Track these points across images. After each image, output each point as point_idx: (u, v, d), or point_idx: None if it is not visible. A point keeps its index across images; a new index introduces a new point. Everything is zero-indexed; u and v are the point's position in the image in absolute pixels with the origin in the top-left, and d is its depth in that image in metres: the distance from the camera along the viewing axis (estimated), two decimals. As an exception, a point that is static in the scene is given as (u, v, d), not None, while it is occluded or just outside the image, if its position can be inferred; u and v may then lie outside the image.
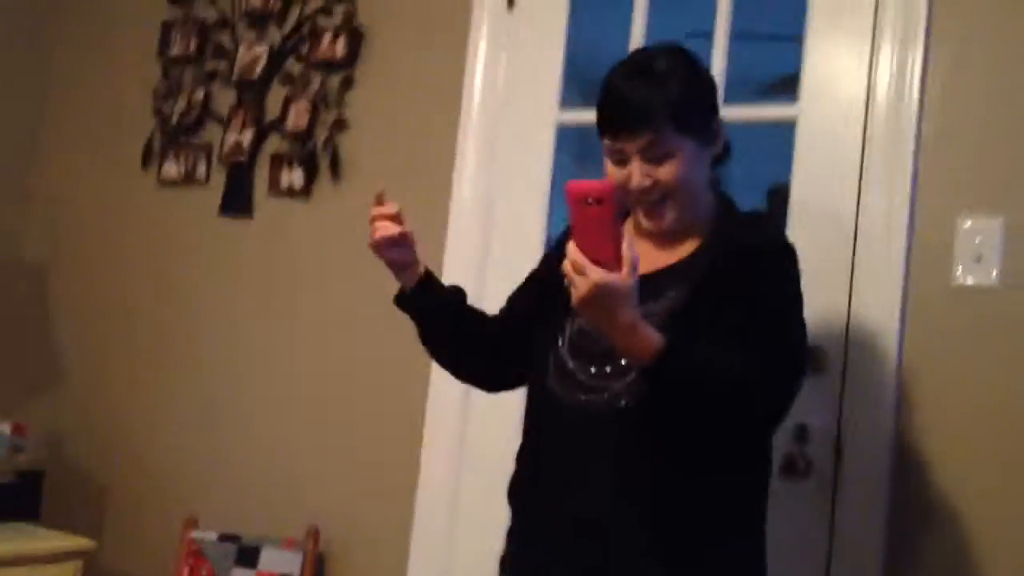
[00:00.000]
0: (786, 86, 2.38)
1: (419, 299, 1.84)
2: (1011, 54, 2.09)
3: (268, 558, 2.71)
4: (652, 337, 1.51)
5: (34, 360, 3.37)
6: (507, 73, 2.73)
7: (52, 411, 3.28)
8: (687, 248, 1.73)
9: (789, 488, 2.16)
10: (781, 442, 2.16)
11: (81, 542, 2.91)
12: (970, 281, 2.07)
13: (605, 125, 1.69)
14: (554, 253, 1.89)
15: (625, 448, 1.62)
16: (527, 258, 2.58)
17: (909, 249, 2.13)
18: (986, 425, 2.04)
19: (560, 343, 1.72)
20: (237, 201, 3.09)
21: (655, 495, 1.61)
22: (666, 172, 1.65)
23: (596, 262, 1.48)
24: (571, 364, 1.69)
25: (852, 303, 2.18)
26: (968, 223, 2.09)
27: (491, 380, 1.97)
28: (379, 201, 1.82)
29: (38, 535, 2.92)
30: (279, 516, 2.83)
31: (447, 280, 2.63)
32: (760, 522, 1.74)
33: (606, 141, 1.70)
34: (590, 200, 1.48)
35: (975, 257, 2.07)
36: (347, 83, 2.94)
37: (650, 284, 1.63)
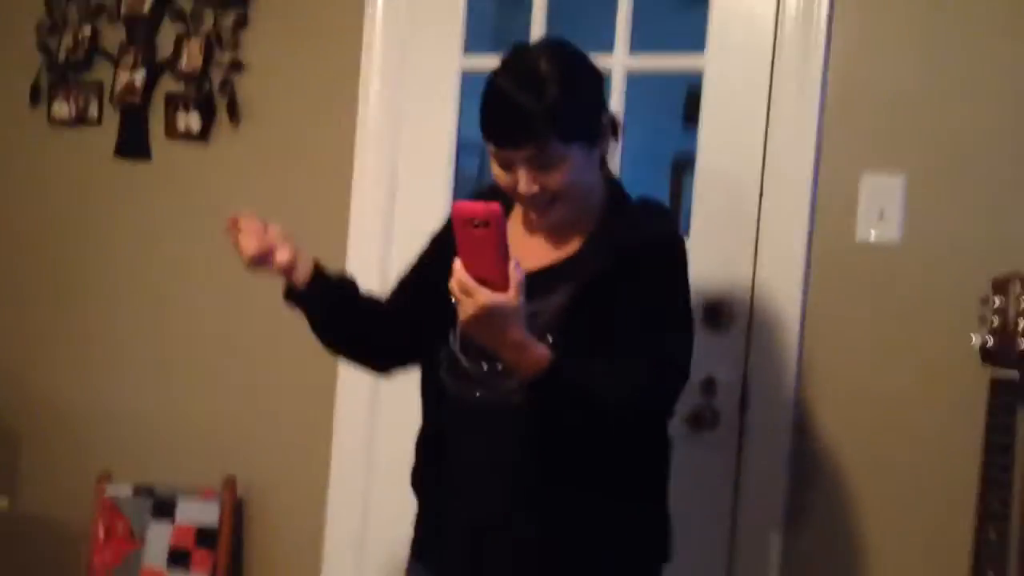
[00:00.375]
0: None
1: (310, 296, 1.78)
2: (919, 8, 2.10)
3: (185, 509, 2.71)
4: (539, 353, 1.52)
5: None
6: (409, 12, 2.64)
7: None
8: (576, 243, 1.72)
9: (696, 439, 2.23)
10: (689, 394, 2.21)
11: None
12: (872, 238, 2.12)
13: (489, 134, 1.64)
14: (444, 235, 1.84)
15: (520, 443, 1.64)
16: (433, 202, 2.59)
17: (813, 205, 2.16)
18: (883, 378, 2.11)
19: (452, 338, 1.71)
20: (133, 144, 2.99)
21: (550, 491, 1.64)
22: (554, 179, 1.63)
23: (483, 281, 1.46)
24: (464, 360, 1.69)
25: (758, 258, 2.21)
26: (871, 180, 2.12)
27: (382, 366, 1.94)
28: (233, 225, 1.75)
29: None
30: (195, 466, 2.82)
31: (354, 228, 2.68)
32: (661, 505, 1.79)
33: (491, 147, 1.66)
34: (476, 222, 1.45)
35: (877, 214, 2.11)
36: (241, 21, 2.82)
37: (539, 281, 1.63)
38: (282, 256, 1.73)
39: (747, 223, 2.22)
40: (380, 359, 1.92)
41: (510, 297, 1.47)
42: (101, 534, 2.69)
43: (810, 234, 2.16)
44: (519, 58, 1.67)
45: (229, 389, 2.85)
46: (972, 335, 1.93)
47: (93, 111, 3.04)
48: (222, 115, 2.86)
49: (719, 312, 2.24)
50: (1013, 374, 1.88)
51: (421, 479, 1.84)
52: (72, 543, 2.87)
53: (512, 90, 1.60)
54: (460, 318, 1.50)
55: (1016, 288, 1.91)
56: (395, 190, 2.67)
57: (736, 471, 2.23)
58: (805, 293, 2.16)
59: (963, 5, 2.06)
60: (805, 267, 2.16)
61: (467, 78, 2.59)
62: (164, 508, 2.71)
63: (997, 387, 1.89)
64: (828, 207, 2.16)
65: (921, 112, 2.09)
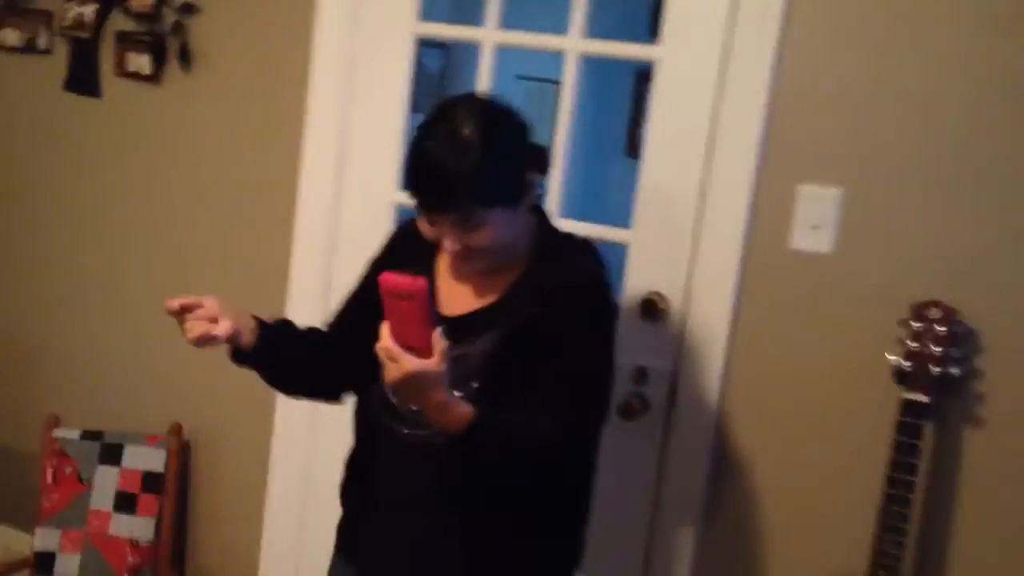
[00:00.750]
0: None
1: (259, 359, 1.81)
2: (872, 22, 2.10)
3: (132, 455, 2.80)
4: (460, 412, 1.57)
5: None
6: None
7: None
8: (503, 286, 1.74)
9: (624, 426, 2.31)
10: (621, 383, 2.30)
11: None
12: (805, 247, 2.17)
13: (412, 195, 1.66)
14: (382, 260, 1.91)
15: (442, 479, 1.71)
16: (385, 153, 2.60)
17: (751, 210, 2.20)
18: (803, 382, 2.20)
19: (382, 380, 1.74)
20: (82, 79, 2.96)
21: (467, 521, 1.73)
22: (478, 239, 1.65)
23: (408, 348, 1.52)
24: (393, 398, 1.74)
25: (694, 257, 2.26)
26: (809, 190, 2.16)
27: (334, 397, 1.99)
28: (173, 310, 1.73)
29: None
30: (142, 412, 2.89)
31: (305, 176, 2.69)
32: (576, 534, 1.87)
33: (415, 204, 1.68)
34: (402, 295, 1.50)
35: (812, 224, 2.16)
36: (194, -39, 2.78)
37: (465, 325, 1.69)
38: (223, 330, 1.73)
39: (687, 222, 2.26)
40: (331, 393, 1.97)
41: (433, 363, 1.51)
42: (50, 477, 2.77)
43: (746, 237, 2.20)
44: (443, 119, 1.64)
45: (177, 335, 2.89)
46: (887, 355, 2.02)
47: (42, 41, 3.00)
48: (174, 57, 2.83)
49: (654, 306, 2.30)
50: (923, 397, 1.98)
51: (346, 494, 1.92)
52: (20, 478, 2.94)
53: (435, 156, 1.60)
54: (386, 381, 1.55)
55: (933, 315, 1.99)
56: (347, 139, 2.66)
57: (660, 459, 2.33)
58: (737, 294, 2.22)
59: (918, 20, 2.06)
60: (739, 269, 2.21)
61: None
62: (111, 453, 2.79)
63: (906, 409, 1.98)
64: (765, 213, 2.20)
65: (866, 127, 2.11)
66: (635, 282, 2.33)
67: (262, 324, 1.81)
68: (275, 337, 1.83)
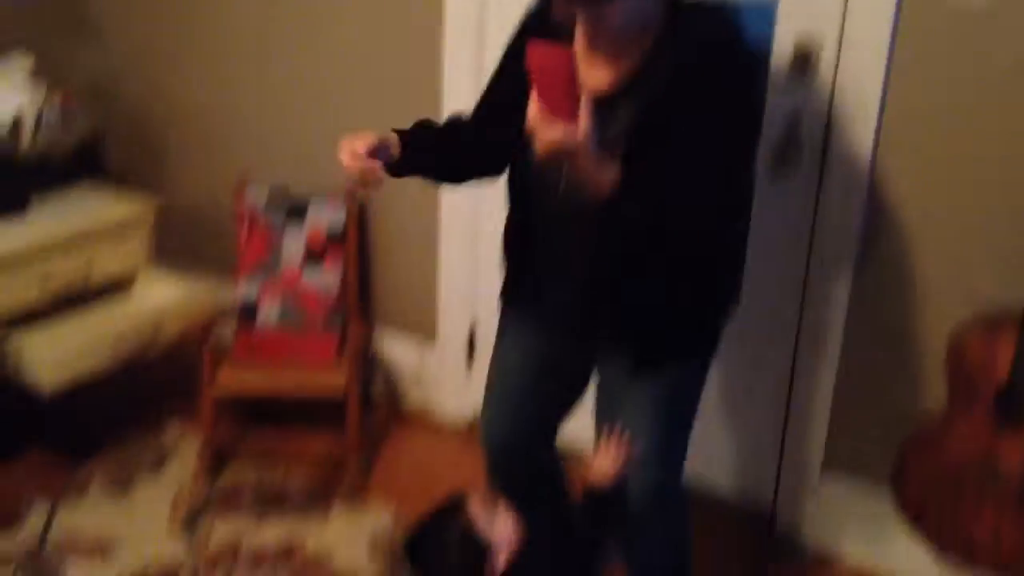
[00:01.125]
0: None
1: (409, 163, 1.92)
2: None
3: (315, 212, 3.04)
4: (608, 179, 1.65)
5: (65, 18, 3.47)
6: None
7: (89, 72, 3.46)
8: (638, 56, 1.77)
9: (778, 177, 2.39)
10: (773, 134, 2.37)
11: (146, 199, 3.13)
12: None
13: None
14: (517, 44, 1.94)
15: (597, 238, 1.82)
16: None
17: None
18: (959, 137, 2.21)
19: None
20: None
21: (623, 274, 1.85)
22: (610, 15, 1.72)
23: (556, 117, 1.59)
24: (544, 167, 1.80)
25: (849, 5, 2.25)
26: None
27: (494, 174, 2.07)
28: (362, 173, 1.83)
29: (105, 196, 3.12)
30: (322, 174, 3.09)
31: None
32: (730, 283, 1.98)
33: None
34: (549, 66, 1.58)
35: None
36: None
37: (607, 97, 1.74)
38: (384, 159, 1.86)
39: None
40: (486, 173, 2.07)
41: (580, 131, 1.60)
42: (245, 233, 3.04)
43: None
44: None
45: (350, 100, 3.06)
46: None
47: None
48: None
49: (806, 57, 2.32)
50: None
51: (507, 249, 2.06)
52: (220, 235, 3.23)
53: None
54: (536, 150, 1.63)
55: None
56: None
57: (815, 208, 2.39)
58: (892, 43, 2.20)
59: None
60: (893, 17, 2.19)
61: None
62: (297, 210, 3.04)
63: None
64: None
65: None
66: (786, 33, 2.34)
67: (402, 135, 1.92)
68: (418, 141, 1.94)
